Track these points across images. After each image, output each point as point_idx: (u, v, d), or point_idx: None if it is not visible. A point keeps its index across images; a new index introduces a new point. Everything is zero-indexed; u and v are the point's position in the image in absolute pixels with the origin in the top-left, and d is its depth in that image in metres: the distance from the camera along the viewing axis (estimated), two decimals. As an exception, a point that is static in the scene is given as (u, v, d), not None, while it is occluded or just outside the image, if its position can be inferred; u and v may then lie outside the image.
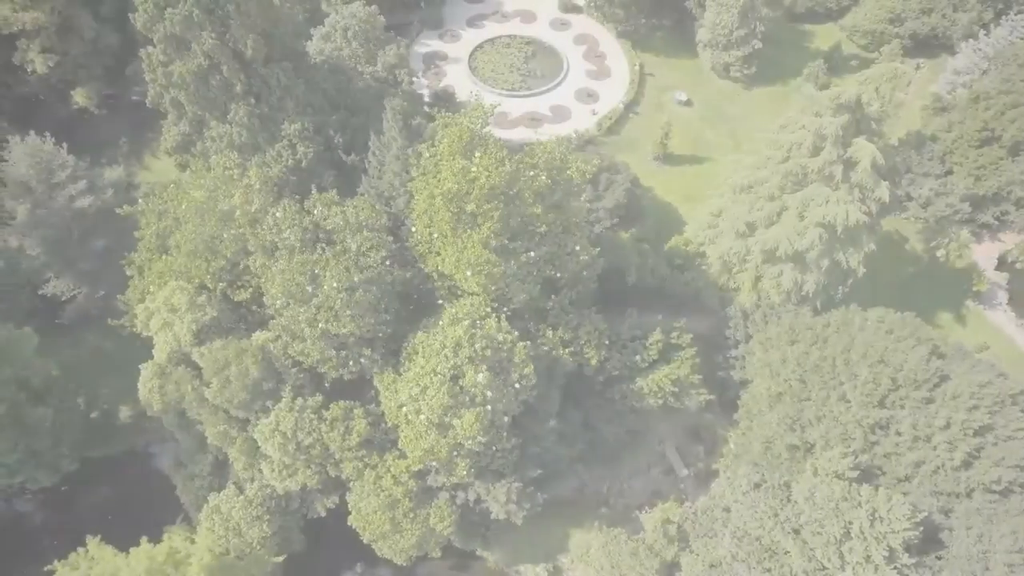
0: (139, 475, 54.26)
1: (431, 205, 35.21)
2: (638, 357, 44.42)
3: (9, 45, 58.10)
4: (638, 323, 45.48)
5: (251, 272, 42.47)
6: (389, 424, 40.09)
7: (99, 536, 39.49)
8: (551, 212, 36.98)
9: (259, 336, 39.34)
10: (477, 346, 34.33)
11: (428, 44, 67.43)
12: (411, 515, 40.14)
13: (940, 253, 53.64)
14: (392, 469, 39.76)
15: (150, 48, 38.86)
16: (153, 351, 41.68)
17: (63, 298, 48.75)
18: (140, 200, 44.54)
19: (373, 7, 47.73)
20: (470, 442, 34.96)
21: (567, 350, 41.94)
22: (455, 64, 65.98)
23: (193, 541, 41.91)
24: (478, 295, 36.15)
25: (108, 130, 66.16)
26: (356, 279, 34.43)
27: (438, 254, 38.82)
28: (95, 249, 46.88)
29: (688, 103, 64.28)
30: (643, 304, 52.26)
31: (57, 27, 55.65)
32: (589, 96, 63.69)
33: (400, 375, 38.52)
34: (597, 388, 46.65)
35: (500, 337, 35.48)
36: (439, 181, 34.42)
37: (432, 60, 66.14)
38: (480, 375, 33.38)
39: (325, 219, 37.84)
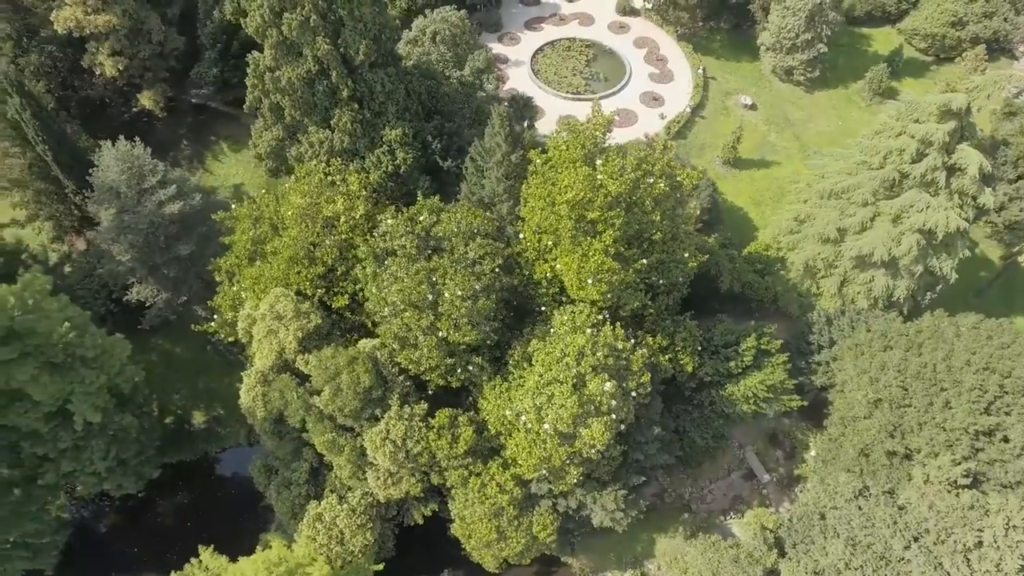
0: (214, 481, 54.23)
1: (550, 212, 34.96)
2: (732, 363, 44.32)
3: (77, 48, 57.80)
4: (730, 328, 45.41)
5: (347, 278, 42.39)
6: (491, 432, 39.96)
7: (185, 544, 39.29)
8: (665, 219, 36.81)
9: (365, 343, 39.12)
10: (599, 354, 34.13)
11: (488, 47, 67.09)
12: (515, 523, 39.97)
13: (1022, 259, 53.66)
14: (496, 477, 39.59)
15: (256, 53, 38.42)
16: (253, 358, 41.53)
17: (147, 304, 48.32)
18: (233, 206, 44.26)
19: (463, 11, 47.45)
20: (591, 451, 34.77)
21: (666, 356, 41.80)
22: (517, 67, 65.73)
23: (290, 549, 42.02)
24: (596, 302, 35.88)
25: (167, 133, 65.78)
26: (477, 287, 34.16)
27: (545, 260, 38.68)
28: (179, 255, 46.47)
29: (753, 107, 64.15)
30: (722, 309, 52.37)
31: (128, 30, 55.22)
32: (654, 100, 63.49)
33: (509, 383, 38.38)
34: (686, 394, 46.62)
35: (619, 345, 35.29)
36: (561, 188, 34.16)
37: (493, 63, 65.78)
38: (607, 384, 33.17)
39: (433, 226, 37.60)
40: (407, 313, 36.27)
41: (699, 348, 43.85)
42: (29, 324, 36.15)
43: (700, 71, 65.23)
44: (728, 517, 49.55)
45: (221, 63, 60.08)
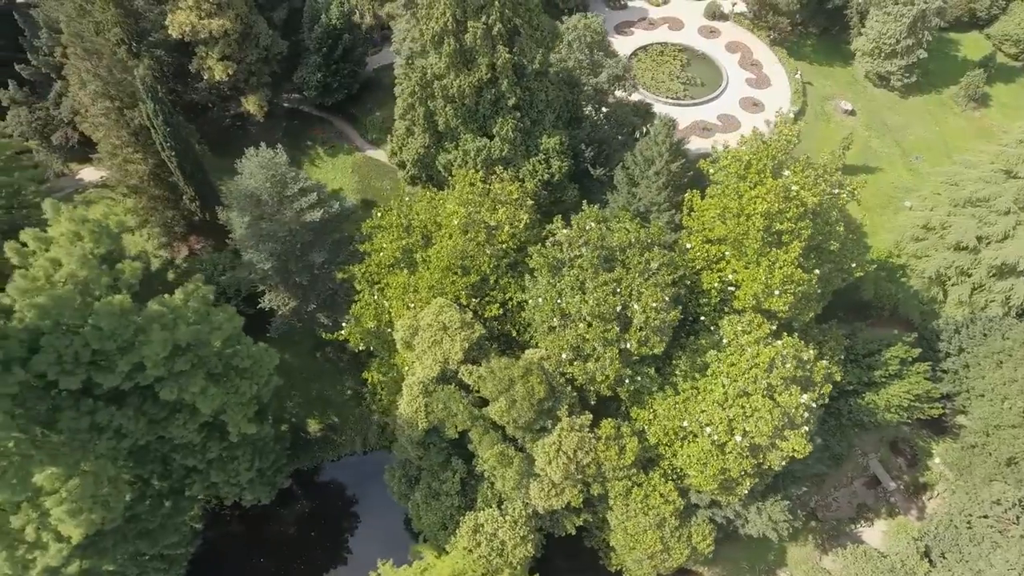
0: (331, 489, 53.86)
1: (736, 222, 34.74)
2: (877, 372, 44.23)
3: (183, 52, 57.29)
4: (873, 337, 45.34)
5: (497, 287, 42.10)
6: (651, 442, 39.72)
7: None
8: (840, 228, 36.70)
9: (532, 353, 38.79)
10: (789, 365, 33.96)
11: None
12: (677, 534, 39.77)
13: None
14: (659, 488, 39.36)
15: (420, 60, 38.03)
16: (411, 368, 41.07)
17: (278, 311, 47.90)
18: (377, 213, 43.86)
19: (601, 17, 47.11)
20: (778, 464, 34.60)
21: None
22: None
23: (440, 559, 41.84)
24: (778, 313, 35.68)
25: (262, 137, 65.09)
26: (667, 298, 33.93)
27: (712, 270, 38.50)
28: (313, 262, 46.08)
29: (852, 112, 64.08)
30: (848, 316, 52.26)
31: (239, 35, 54.77)
32: (754, 105, 63.35)
33: (679, 393, 38.12)
34: (826, 403, 46.50)
35: (804, 356, 35.11)
36: (751, 199, 33.98)
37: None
38: (804, 395, 32.99)
39: (603, 237, 37.30)
40: (582, 325, 36.01)
41: (841, 357, 43.73)
42: (202, 335, 35.78)
43: (797, 76, 65.11)
44: (858, 525, 49.42)
45: (324, 68, 59.66)
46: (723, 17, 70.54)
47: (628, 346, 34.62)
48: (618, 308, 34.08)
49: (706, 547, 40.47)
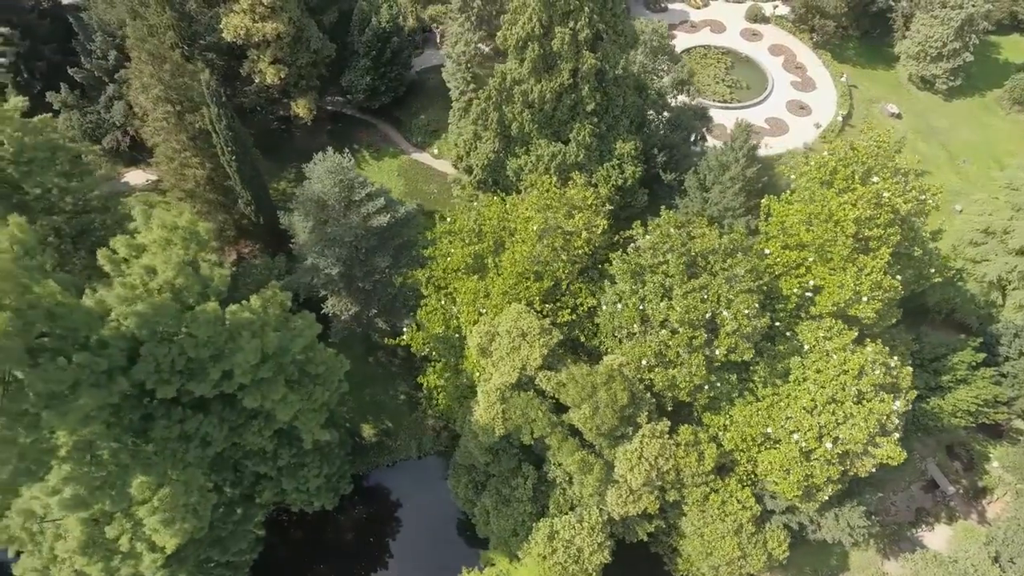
0: (384, 494, 53.56)
1: (825, 228, 34.63)
2: (945, 377, 44.21)
3: (233, 56, 57.06)
4: (941, 342, 45.32)
5: (568, 292, 41.96)
6: (726, 447, 39.62)
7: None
8: (926, 234, 36.65)
9: (611, 359, 38.62)
10: (878, 372, 33.88)
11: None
12: (753, 540, 39.69)
13: None
14: (736, 494, 39.27)
15: (508, 63, 37.78)
16: (484, 374, 40.93)
17: (341, 316, 47.68)
18: (448, 218, 43.69)
19: (662, 21, 47.07)
20: (866, 470, 34.52)
21: (892, 371, 41.55)
22: (657, 75, 65.31)
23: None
24: (864, 320, 35.59)
25: (307, 141, 64.92)
26: (756, 306, 33.83)
27: (792, 276, 38.38)
28: (377, 267, 45.85)
29: (898, 116, 64.07)
30: (904, 320, 52.17)
31: (291, 38, 54.53)
32: (801, 108, 63.30)
33: (759, 399, 38.01)
34: (890, 407, 46.45)
35: (891, 362, 35.03)
36: (840, 205, 33.88)
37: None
38: (897, 402, 32.91)
39: (685, 242, 37.16)
40: (664, 331, 35.91)
41: (908, 362, 43.65)
42: (285, 341, 35.55)
43: (843, 79, 65.08)
44: (918, 530, 49.40)
45: (373, 71, 59.45)
46: (764, 20, 70.50)
47: (716, 352, 34.48)
48: (707, 315, 33.94)
49: (781, 553, 40.40)
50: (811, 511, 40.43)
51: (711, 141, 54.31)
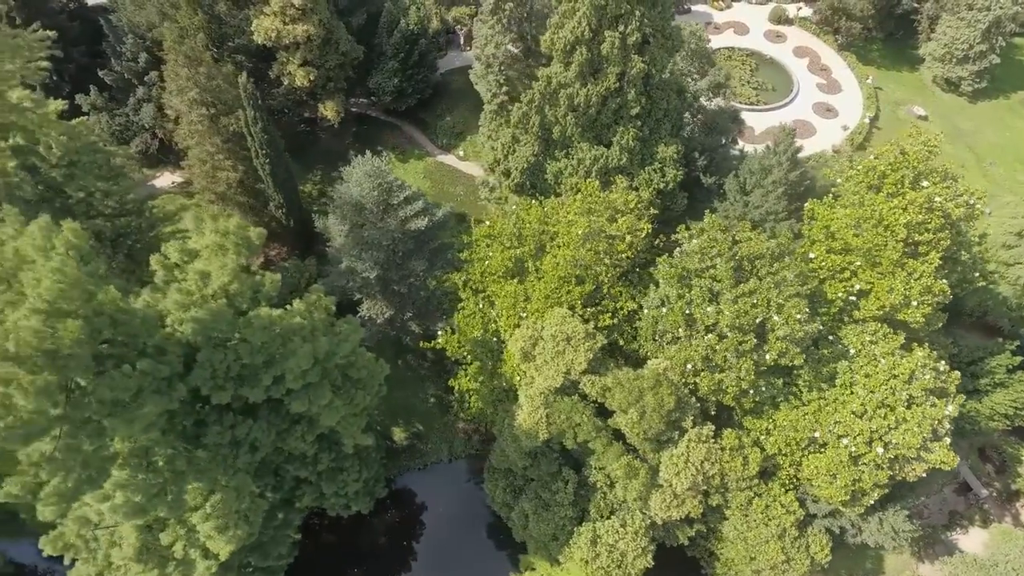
0: (418, 497, 53.39)
1: (874, 232, 34.55)
2: (983, 380, 44.16)
3: (261, 58, 56.87)
4: (979, 345, 45.29)
5: (608, 296, 41.87)
6: (769, 451, 39.54)
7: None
8: (974, 238, 36.62)
9: (656, 364, 38.50)
10: (928, 376, 33.82)
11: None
12: (796, 544, 39.62)
13: None
14: (780, 498, 39.21)
15: (553, 67, 37.63)
16: (524, 378, 40.82)
17: (377, 320, 47.51)
18: (487, 223, 43.57)
19: (701, 24, 47.01)
20: (915, 475, 34.46)
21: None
22: (682, 77, 65.24)
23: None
24: (914, 324, 35.52)
25: (332, 143, 64.84)
26: (807, 311, 33.75)
27: (835, 279, 38.30)
28: (414, 271, 45.71)
29: (924, 118, 64.04)
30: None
31: (321, 40, 54.36)
32: (827, 111, 63.24)
33: (804, 403, 37.93)
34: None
35: (940, 367, 34.97)
36: (891, 210, 33.80)
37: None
38: (950, 407, 32.84)
39: (731, 246, 37.09)
40: (711, 335, 35.83)
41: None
42: (332, 346, 35.42)
43: (869, 81, 65.04)
44: (952, 532, 49.36)
45: (400, 73, 59.30)
46: (788, 21, 70.43)
47: (766, 357, 34.40)
48: (758, 320, 33.85)
49: (823, 557, 40.31)
50: (854, 515, 40.41)
51: (740, 144, 54.21)
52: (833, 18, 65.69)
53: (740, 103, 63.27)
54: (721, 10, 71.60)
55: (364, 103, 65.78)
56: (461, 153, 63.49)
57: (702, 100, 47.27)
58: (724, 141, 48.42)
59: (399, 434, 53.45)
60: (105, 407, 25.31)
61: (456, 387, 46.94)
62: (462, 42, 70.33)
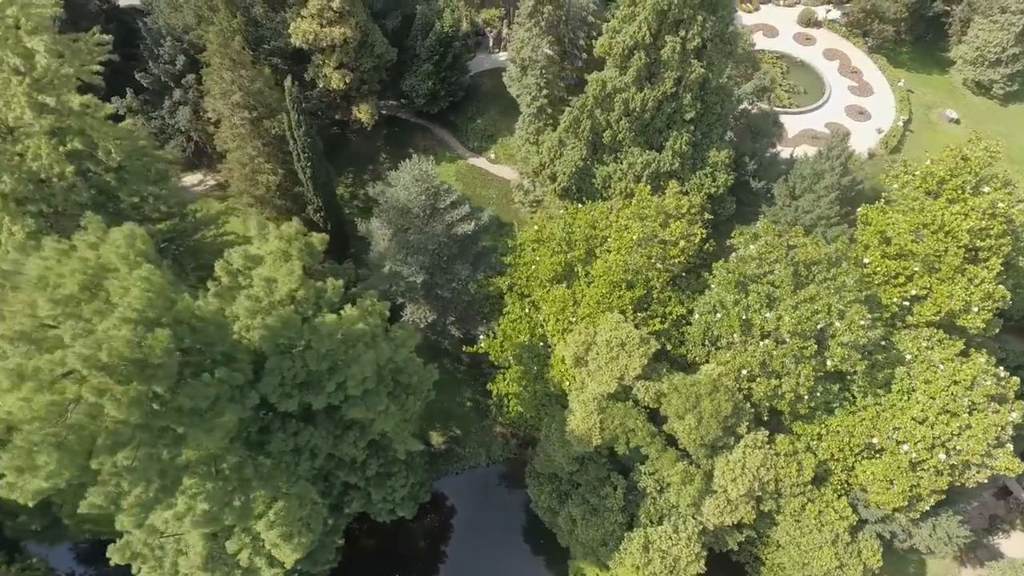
0: (455, 501, 53.24)
1: (934, 239, 34.45)
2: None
3: (294, 61, 56.61)
4: (1020, 349, 45.23)
5: (657, 301, 41.75)
6: (821, 457, 39.46)
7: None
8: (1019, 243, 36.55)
9: (711, 369, 38.41)
10: (989, 383, 33.74)
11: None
12: (849, 549, 39.53)
13: None
14: (833, 504, 39.12)
15: (607, 71, 37.45)
16: (577, 384, 40.66)
17: (420, 325, 47.30)
18: (535, 227, 43.39)
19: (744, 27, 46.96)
20: (973, 481, 34.37)
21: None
22: (713, 79, 65.10)
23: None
24: (976, 331, 35.44)
25: (362, 145, 64.58)
26: (869, 317, 33.63)
27: (890, 284, 38.20)
28: (459, 275, 45.52)
29: (956, 121, 63.98)
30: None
31: (357, 43, 54.15)
32: (860, 113, 63.16)
33: (861, 409, 37.81)
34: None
35: (1000, 373, 34.89)
36: (953, 216, 33.71)
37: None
38: (1014, 413, 32.76)
39: (787, 252, 36.97)
40: (768, 341, 35.72)
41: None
42: (391, 352, 35.27)
43: (900, 84, 64.96)
44: (994, 537, 49.29)
45: (435, 76, 59.11)
46: (817, 24, 70.33)
47: (827, 363, 34.29)
48: (819, 326, 33.74)
49: (875, 562, 40.25)
50: (905, 520, 40.32)
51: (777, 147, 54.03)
52: (865, 21, 65.55)
53: (772, 106, 63.20)
54: (750, 12, 71.46)
55: (394, 105, 65.53)
56: (492, 156, 63.31)
57: (744, 104, 47.10)
58: (768, 145, 48.34)
59: (436, 438, 53.27)
60: (183, 416, 25.13)
61: (494, 391, 46.77)
62: (491, 44, 70.17)
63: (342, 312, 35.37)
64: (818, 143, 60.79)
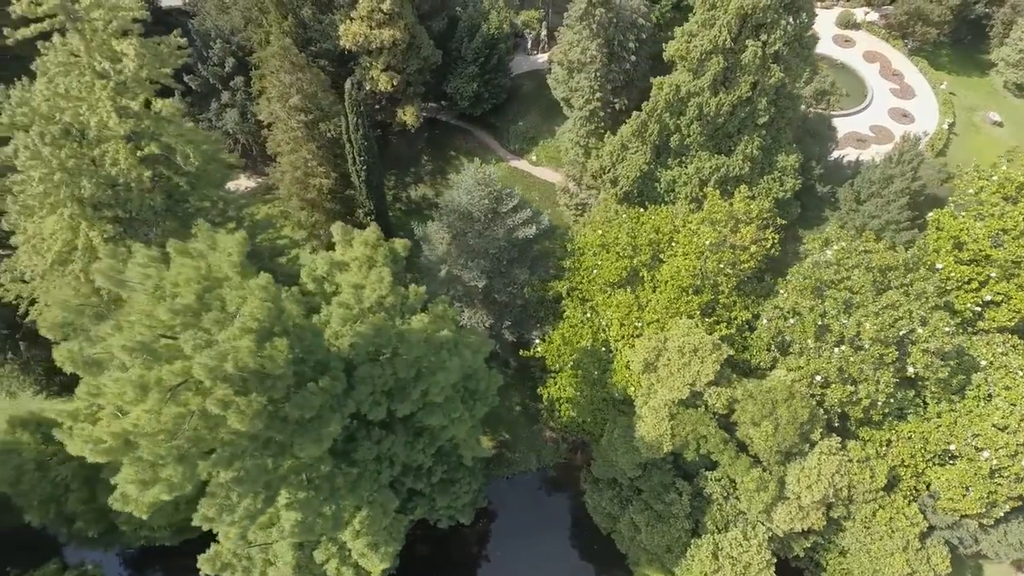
0: (509, 505, 52.82)
1: (1017, 245, 34.27)
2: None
3: (340, 63, 56.29)
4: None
5: (725, 306, 41.53)
6: (890, 463, 39.25)
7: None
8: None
9: (785, 375, 38.20)
10: (1066, 389, 33.58)
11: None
12: (919, 556, 39.32)
13: None
14: (904, 510, 38.92)
15: (679, 75, 37.20)
16: (647, 390, 40.38)
17: (479, 329, 46.96)
18: (599, 231, 43.10)
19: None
20: (1056, 488, 34.21)
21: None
22: (754, 82, 64.90)
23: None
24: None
25: (403, 148, 64.22)
26: (952, 323, 33.42)
27: (963, 290, 38.02)
28: (518, 279, 45.23)
29: (1000, 124, 63.83)
30: None
31: (405, 45, 53.84)
32: (903, 116, 62.97)
33: (938, 416, 37.60)
34: None
35: (1081, 380, 34.70)
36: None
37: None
38: (1101, 422, 32.59)
39: (849, 256, 36.74)
40: (845, 346, 35.51)
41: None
42: (469, 359, 35.02)
43: (943, 87, 64.80)
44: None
45: (479, 78, 58.82)
46: (856, 26, 70.12)
47: (909, 370, 34.09)
48: (902, 332, 33.53)
49: (944, 569, 40.05)
50: (974, 526, 40.14)
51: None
52: (908, 23, 65.34)
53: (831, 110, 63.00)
54: (786, 14, 71.19)
55: (434, 107, 65.22)
56: (534, 158, 63.05)
57: (802, 107, 46.85)
58: (830, 149, 48.11)
59: (486, 443, 52.81)
60: (289, 426, 24.86)
61: (545, 395, 46.51)
62: (529, 46, 69.87)
63: (415, 318, 35.14)
64: (863, 146, 60.81)
